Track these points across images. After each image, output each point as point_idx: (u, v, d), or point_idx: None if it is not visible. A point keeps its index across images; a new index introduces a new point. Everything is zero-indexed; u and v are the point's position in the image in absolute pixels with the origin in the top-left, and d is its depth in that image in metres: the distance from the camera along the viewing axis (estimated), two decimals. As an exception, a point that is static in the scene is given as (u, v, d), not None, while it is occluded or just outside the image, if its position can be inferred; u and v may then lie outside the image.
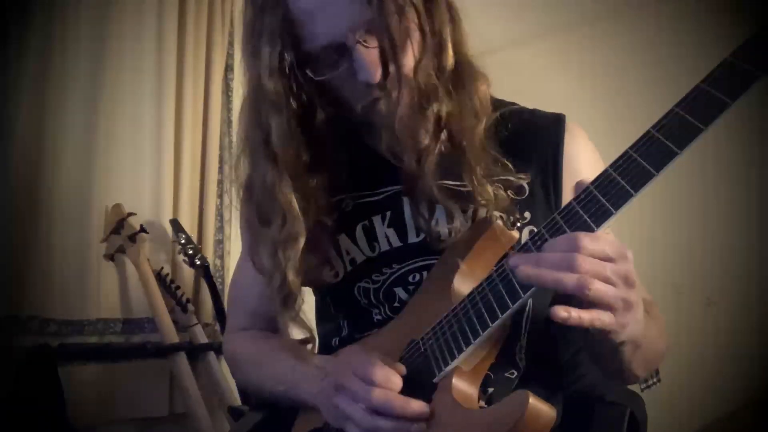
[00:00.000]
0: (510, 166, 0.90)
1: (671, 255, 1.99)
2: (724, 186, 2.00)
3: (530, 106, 1.00)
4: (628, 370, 0.78)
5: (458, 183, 0.89)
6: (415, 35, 0.85)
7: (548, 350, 0.71)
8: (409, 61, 0.84)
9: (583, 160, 0.93)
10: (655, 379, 1.26)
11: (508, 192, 0.90)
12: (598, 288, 0.65)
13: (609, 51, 2.13)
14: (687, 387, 1.78)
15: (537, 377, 0.87)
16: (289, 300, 0.91)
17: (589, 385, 0.91)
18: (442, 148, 0.91)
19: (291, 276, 0.90)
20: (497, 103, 0.97)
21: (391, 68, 0.82)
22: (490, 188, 0.87)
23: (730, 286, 1.97)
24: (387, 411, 0.75)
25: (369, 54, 0.82)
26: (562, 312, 0.65)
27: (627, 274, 0.66)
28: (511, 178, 0.89)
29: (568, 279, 0.65)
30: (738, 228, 1.97)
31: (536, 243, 0.72)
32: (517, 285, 0.70)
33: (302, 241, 0.90)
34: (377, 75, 0.83)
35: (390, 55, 0.82)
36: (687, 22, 1.99)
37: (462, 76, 0.90)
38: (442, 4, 0.88)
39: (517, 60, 2.19)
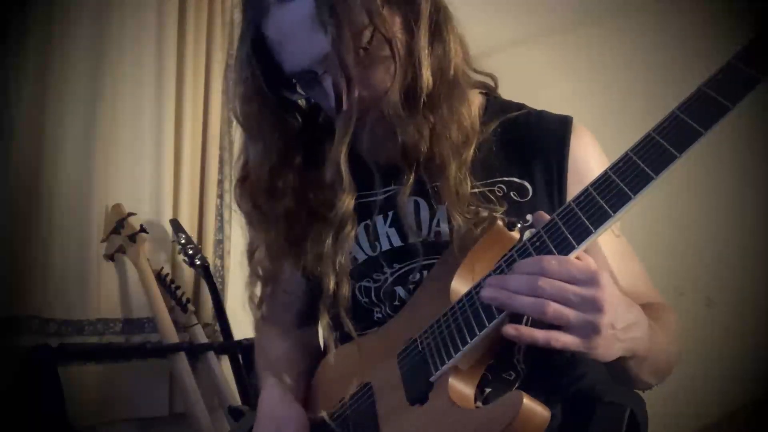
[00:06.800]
0: (488, 194, 0.89)
1: (672, 256, 2.00)
2: (724, 187, 2.00)
3: (533, 106, 1.00)
4: (637, 380, 0.79)
5: None
6: (384, 65, 0.84)
7: (547, 353, 0.72)
8: (370, 91, 0.84)
9: (589, 163, 0.92)
10: (655, 379, 1.26)
11: (512, 194, 0.90)
12: (556, 309, 0.66)
13: (612, 51, 2.13)
14: (687, 387, 1.78)
15: (536, 379, 0.87)
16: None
17: (589, 385, 0.91)
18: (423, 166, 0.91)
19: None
20: (506, 105, 0.97)
21: (347, 100, 0.83)
22: (459, 217, 0.86)
23: (730, 286, 1.98)
24: None
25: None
26: (511, 330, 0.68)
27: (594, 298, 0.66)
28: (482, 209, 0.87)
29: (526, 302, 0.67)
30: (738, 228, 1.97)
31: (534, 244, 0.73)
32: None
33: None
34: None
35: (343, 88, 0.82)
36: (690, 23, 1.99)
37: (439, 99, 0.87)
38: (424, 24, 0.85)
39: (519, 60, 2.19)
